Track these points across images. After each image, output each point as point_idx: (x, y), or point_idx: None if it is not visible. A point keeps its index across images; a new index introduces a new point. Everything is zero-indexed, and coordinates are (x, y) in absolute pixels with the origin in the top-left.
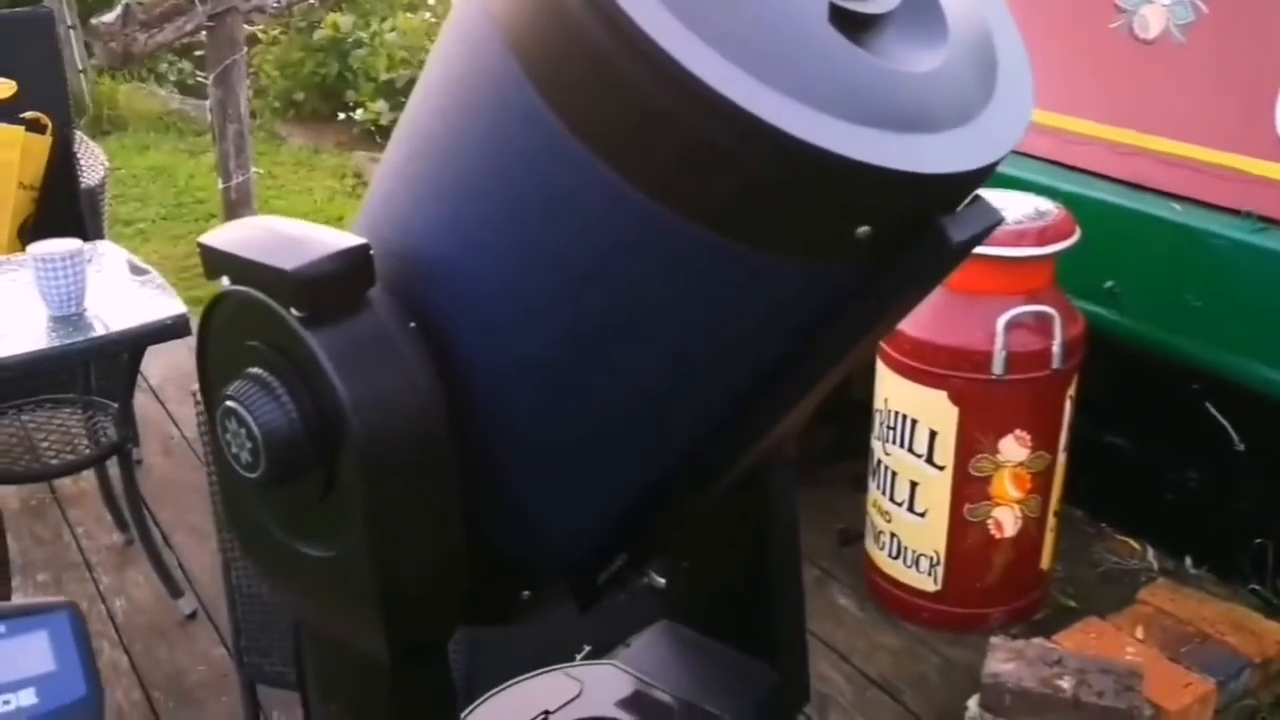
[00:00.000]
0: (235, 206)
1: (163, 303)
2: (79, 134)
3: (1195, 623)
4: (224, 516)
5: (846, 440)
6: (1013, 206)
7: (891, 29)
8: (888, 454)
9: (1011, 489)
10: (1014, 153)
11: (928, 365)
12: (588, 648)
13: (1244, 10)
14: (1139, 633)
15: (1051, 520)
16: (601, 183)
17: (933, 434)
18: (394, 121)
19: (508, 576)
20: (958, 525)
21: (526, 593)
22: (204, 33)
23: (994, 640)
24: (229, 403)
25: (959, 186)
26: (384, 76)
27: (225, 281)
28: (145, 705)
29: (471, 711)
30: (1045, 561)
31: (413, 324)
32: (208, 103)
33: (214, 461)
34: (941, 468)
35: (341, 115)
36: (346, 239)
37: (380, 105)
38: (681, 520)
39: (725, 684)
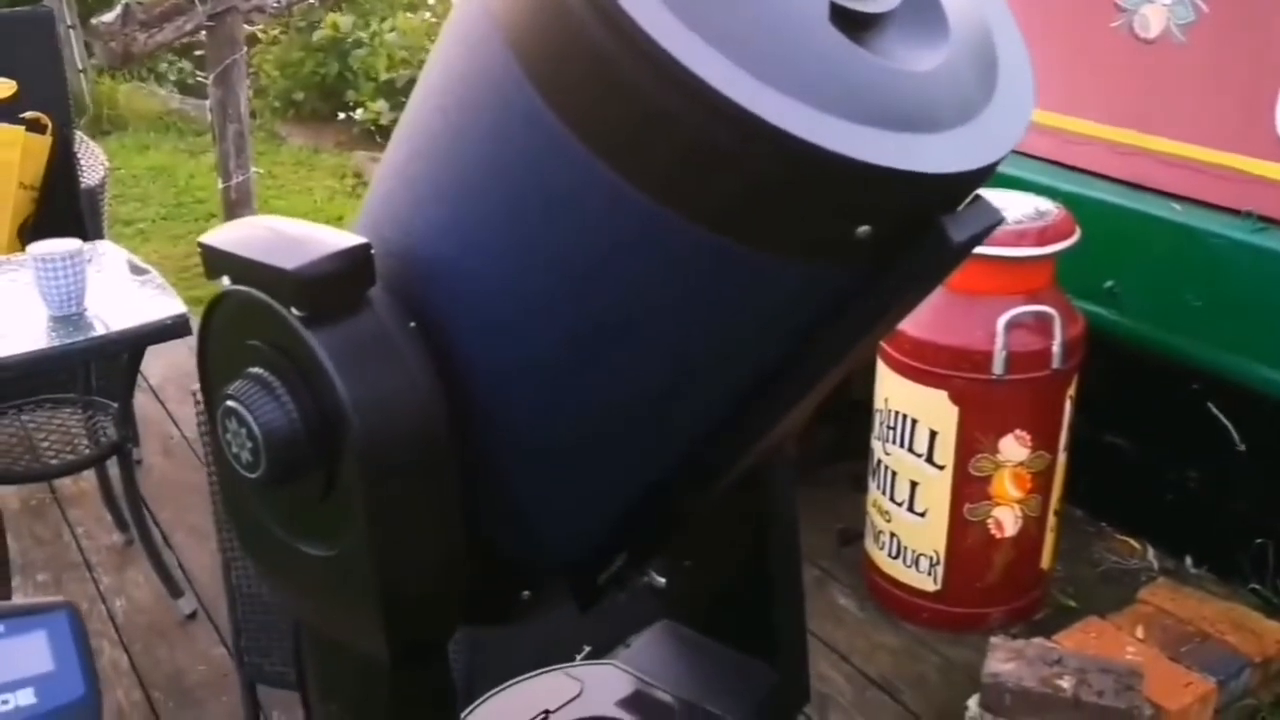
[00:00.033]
0: (235, 206)
1: (163, 303)
2: (79, 134)
3: (1195, 622)
4: (224, 516)
5: (846, 440)
6: (1013, 206)
7: (892, 28)
8: (888, 454)
9: (1011, 489)
10: (1014, 153)
11: (928, 365)
12: (588, 648)
13: (1244, 10)
14: (1139, 632)
15: (1051, 520)
16: (602, 183)
17: (933, 434)
18: (394, 121)
19: (508, 576)
20: (958, 525)
21: (527, 593)
22: (204, 32)
23: (994, 640)
24: (229, 402)
25: (960, 186)
26: (384, 76)
27: (226, 281)
28: (145, 705)
29: (471, 711)
30: (1045, 561)
31: (413, 324)
32: (208, 103)
33: (214, 461)
34: (941, 467)
35: (341, 115)
36: (347, 239)
37: (380, 105)
38: (682, 520)
39: (725, 684)
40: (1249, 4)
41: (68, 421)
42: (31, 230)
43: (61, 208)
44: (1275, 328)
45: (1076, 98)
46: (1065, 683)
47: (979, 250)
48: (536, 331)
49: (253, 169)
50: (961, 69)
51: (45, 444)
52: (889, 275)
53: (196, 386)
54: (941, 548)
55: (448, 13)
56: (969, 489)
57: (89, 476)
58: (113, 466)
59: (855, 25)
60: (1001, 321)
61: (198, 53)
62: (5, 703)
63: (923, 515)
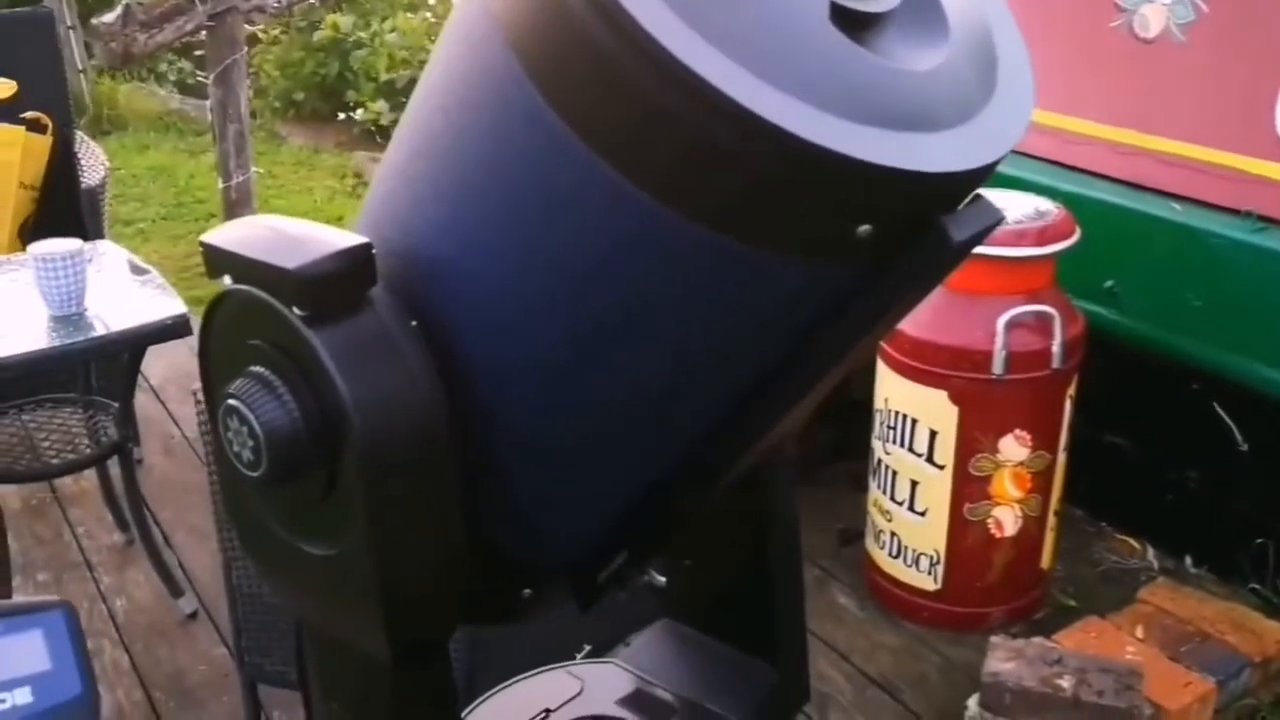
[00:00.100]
0: (235, 206)
1: (163, 302)
2: (79, 134)
3: (1195, 622)
4: (225, 516)
5: (846, 440)
6: (1013, 206)
7: (892, 28)
8: (888, 453)
9: (1011, 488)
10: (1014, 152)
11: (928, 365)
12: (588, 646)
13: (1244, 10)
14: (1139, 632)
15: (1051, 520)
16: (602, 182)
17: (933, 433)
18: (394, 121)
19: (508, 576)
20: (958, 524)
21: (527, 592)
22: (204, 33)
23: (994, 639)
24: (231, 401)
25: (960, 185)
26: (384, 77)
27: (227, 280)
28: (146, 705)
29: (472, 710)
30: (1045, 561)
31: (414, 323)
32: (208, 103)
33: (215, 460)
34: (942, 467)
35: (341, 115)
36: (348, 238)
37: (380, 105)
38: (682, 520)
39: (725, 683)
40: (1249, 4)
41: (68, 421)
42: (32, 230)
43: (62, 208)
44: (1275, 327)
45: (1076, 98)
46: (1065, 682)
47: (979, 250)
48: (537, 331)
49: (253, 169)
50: (961, 68)
51: (46, 443)
52: (889, 275)
53: (197, 386)
54: (942, 547)
55: (448, 13)
56: (969, 489)
57: (90, 476)
58: (113, 466)
59: (855, 25)
60: (1001, 321)
61: (198, 53)
62: (2, 701)
63: (923, 515)
